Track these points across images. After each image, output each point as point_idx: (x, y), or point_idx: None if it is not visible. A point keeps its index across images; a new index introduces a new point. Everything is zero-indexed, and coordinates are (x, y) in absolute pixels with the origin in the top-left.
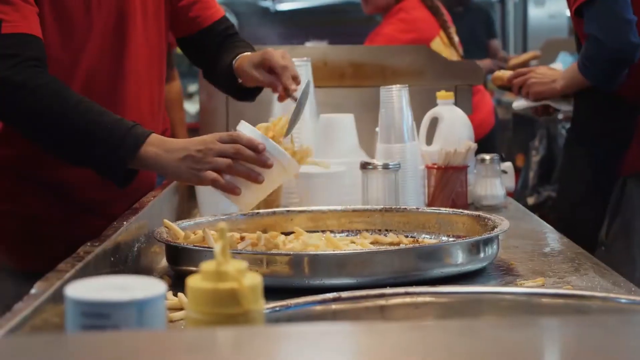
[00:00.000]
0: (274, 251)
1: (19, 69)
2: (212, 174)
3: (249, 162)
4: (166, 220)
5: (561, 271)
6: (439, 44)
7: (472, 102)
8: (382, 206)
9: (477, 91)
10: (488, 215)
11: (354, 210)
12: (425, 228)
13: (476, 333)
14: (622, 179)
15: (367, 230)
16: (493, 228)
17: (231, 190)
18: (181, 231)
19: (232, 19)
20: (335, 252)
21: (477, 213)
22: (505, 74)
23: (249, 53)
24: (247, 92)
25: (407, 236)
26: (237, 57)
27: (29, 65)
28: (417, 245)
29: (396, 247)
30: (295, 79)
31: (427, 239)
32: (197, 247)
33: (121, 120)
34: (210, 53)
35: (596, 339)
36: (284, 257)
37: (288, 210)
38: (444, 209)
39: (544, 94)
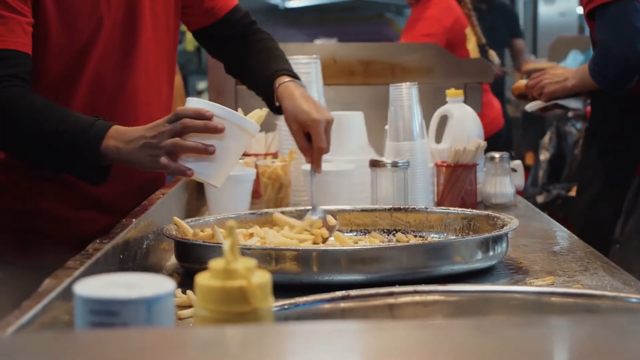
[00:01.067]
0: (282, 247)
1: None
2: (163, 160)
3: (200, 133)
4: (175, 218)
5: (571, 270)
6: (469, 31)
7: (482, 100)
8: (390, 206)
9: (486, 89)
10: (497, 214)
11: (363, 210)
12: (434, 227)
13: (486, 332)
14: (638, 177)
15: (375, 230)
16: (502, 226)
17: (182, 173)
18: (190, 228)
19: None
20: (345, 247)
21: (485, 212)
22: (523, 82)
23: (291, 83)
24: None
25: (415, 235)
26: (277, 78)
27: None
28: (426, 241)
29: (405, 244)
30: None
31: (435, 238)
32: (206, 243)
33: (79, 118)
34: (231, 45)
35: (606, 339)
36: (292, 253)
37: (297, 209)
38: (452, 208)
39: (557, 93)
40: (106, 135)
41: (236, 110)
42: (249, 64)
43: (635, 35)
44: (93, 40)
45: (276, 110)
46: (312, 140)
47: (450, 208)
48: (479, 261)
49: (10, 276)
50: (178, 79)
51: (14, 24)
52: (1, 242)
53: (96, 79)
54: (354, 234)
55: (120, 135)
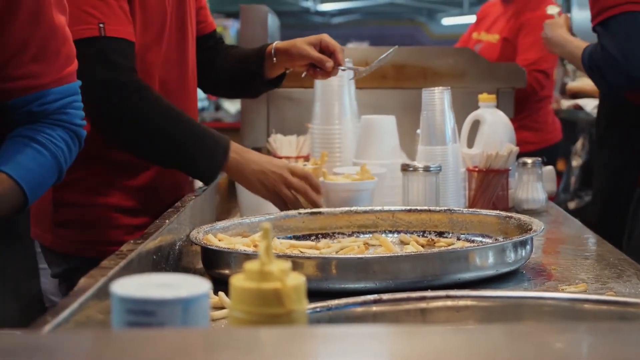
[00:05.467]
0: (298, 254)
1: (126, 74)
2: (292, 198)
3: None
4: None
5: (603, 277)
6: None
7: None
8: (425, 206)
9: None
10: (510, 215)
11: (365, 212)
12: (438, 227)
13: (521, 338)
14: (638, 190)
15: (377, 231)
16: (519, 226)
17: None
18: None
19: (273, 19)
20: (359, 256)
21: (495, 212)
22: (575, 85)
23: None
24: (257, 83)
25: (420, 236)
26: (270, 44)
27: (133, 71)
28: (439, 249)
29: (420, 252)
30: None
31: (463, 239)
32: (228, 250)
33: (206, 129)
34: (208, 56)
35: None
36: (312, 261)
37: (324, 212)
38: (471, 209)
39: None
40: (230, 148)
41: None
42: (221, 59)
43: None
44: (160, 36)
45: (269, 83)
46: (330, 47)
47: (470, 209)
48: (497, 266)
49: (75, 269)
50: None
51: (122, 15)
52: (67, 236)
53: (164, 74)
54: (356, 235)
55: (240, 151)
